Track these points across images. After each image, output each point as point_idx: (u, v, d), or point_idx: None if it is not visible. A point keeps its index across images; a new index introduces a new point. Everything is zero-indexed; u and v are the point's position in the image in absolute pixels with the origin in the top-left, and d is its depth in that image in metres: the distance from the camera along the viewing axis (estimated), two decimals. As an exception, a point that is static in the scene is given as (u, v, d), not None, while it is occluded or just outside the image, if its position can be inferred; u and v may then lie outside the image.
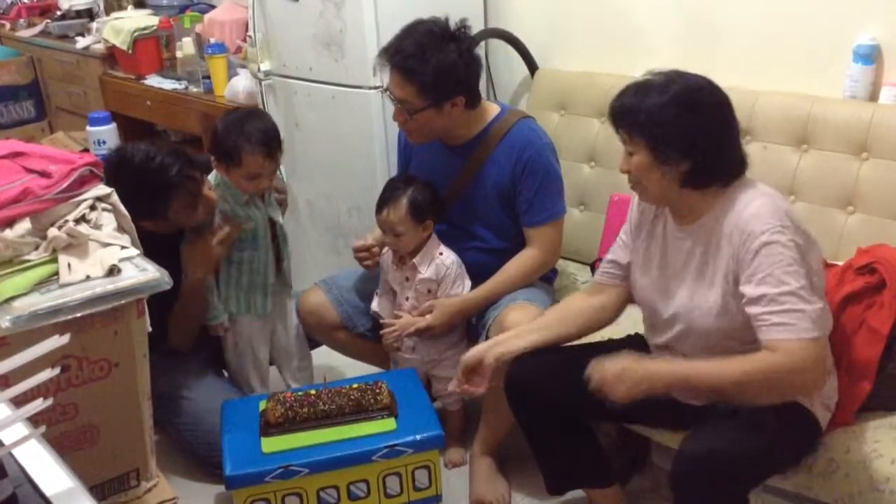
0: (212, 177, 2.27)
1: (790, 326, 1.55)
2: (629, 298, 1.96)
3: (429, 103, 2.12)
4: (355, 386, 2.04)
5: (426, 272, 2.25)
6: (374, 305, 2.37)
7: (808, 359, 1.55)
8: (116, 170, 2.04)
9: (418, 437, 1.96)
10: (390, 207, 2.20)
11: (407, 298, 2.30)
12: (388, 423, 1.99)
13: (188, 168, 2.13)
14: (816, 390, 1.63)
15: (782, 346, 1.55)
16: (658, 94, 1.62)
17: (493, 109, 2.29)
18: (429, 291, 2.27)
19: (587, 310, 1.96)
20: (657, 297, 1.81)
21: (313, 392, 2.02)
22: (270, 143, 2.18)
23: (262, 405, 2.05)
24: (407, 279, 2.28)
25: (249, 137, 2.15)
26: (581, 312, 1.96)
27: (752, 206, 1.62)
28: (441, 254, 2.27)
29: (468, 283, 2.29)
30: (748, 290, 1.60)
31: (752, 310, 1.60)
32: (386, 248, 2.34)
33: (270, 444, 1.95)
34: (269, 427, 1.98)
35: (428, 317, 2.23)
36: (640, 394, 1.63)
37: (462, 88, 2.15)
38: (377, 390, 2.02)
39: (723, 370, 1.60)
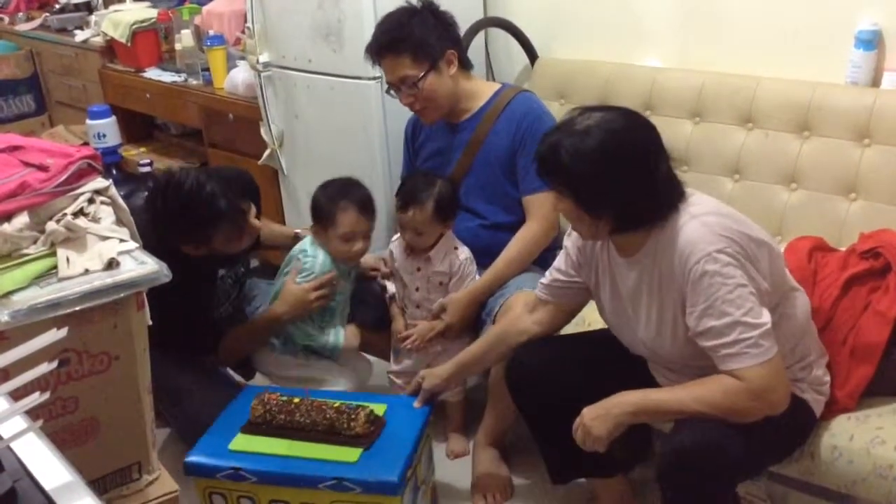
0: (313, 252, 2.27)
1: (742, 356, 1.54)
2: (571, 312, 1.96)
3: (427, 67, 2.20)
4: (336, 404, 1.92)
5: (440, 266, 2.25)
6: (391, 288, 2.37)
7: (767, 380, 1.55)
8: (164, 191, 2.07)
9: (370, 479, 1.79)
10: (416, 209, 2.19)
11: (417, 289, 2.29)
12: (351, 454, 1.84)
13: (238, 199, 2.13)
14: (783, 405, 1.60)
15: (739, 374, 1.55)
16: (578, 142, 1.57)
17: (493, 86, 2.39)
18: (440, 284, 2.27)
19: (527, 330, 1.95)
20: (619, 325, 1.81)
21: (296, 400, 1.95)
22: (364, 203, 2.22)
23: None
24: (419, 269, 2.28)
25: (343, 195, 2.21)
26: (521, 333, 1.96)
27: (684, 234, 1.59)
28: (456, 248, 2.27)
29: (478, 278, 2.29)
30: (692, 322, 1.59)
31: (701, 342, 1.59)
32: (395, 237, 2.35)
33: (239, 443, 1.91)
34: (250, 424, 1.95)
35: (443, 317, 2.24)
36: (617, 425, 1.65)
37: (449, 41, 2.25)
38: (353, 416, 1.88)
39: (685, 399, 1.61)
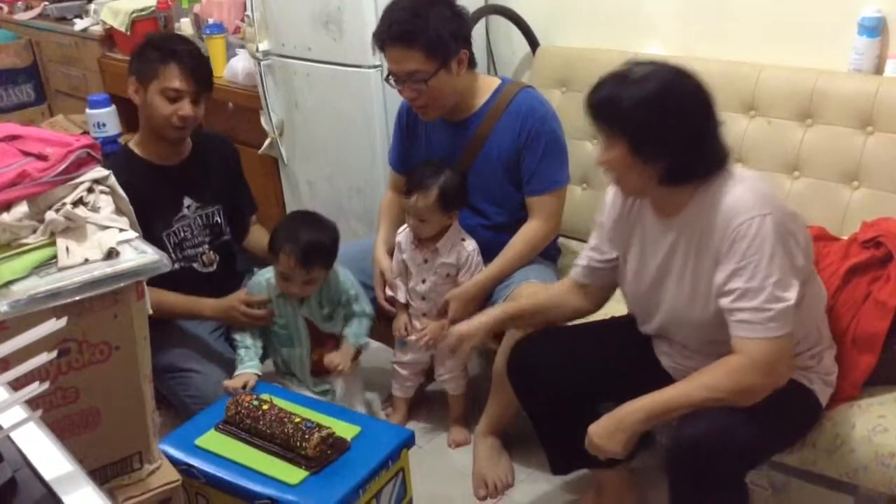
0: (262, 274, 2.25)
1: (756, 326, 1.55)
2: (606, 293, 1.95)
3: (438, 65, 2.11)
4: (297, 420, 1.85)
5: (448, 258, 2.24)
6: (388, 290, 2.34)
7: (772, 355, 1.56)
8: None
9: None
10: (419, 194, 2.18)
11: (424, 281, 2.28)
12: (295, 475, 1.77)
13: (200, 67, 2.25)
14: (785, 379, 1.61)
15: (746, 345, 1.56)
16: (638, 89, 1.58)
17: (494, 82, 2.31)
18: (448, 276, 2.26)
19: (578, 310, 1.96)
20: (643, 290, 1.80)
21: (266, 406, 1.90)
22: (308, 251, 2.10)
23: None
24: (426, 261, 2.27)
25: (291, 238, 2.11)
26: (566, 304, 1.96)
27: (731, 195, 1.60)
28: (463, 240, 2.26)
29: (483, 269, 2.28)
30: (720, 277, 1.59)
31: (722, 301, 1.59)
32: (402, 228, 2.33)
33: (206, 440, 1.89)
34: (223, 423, 1.93)
35: (449, 313, 2.21)
36: (632, 436, 1.65)
37: (463, 41, 2.16)
38: (307, 436, 1.80)
39: (691, 390, 1.61)
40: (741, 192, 1.59)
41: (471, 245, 2.26)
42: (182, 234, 2.33)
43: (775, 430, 1.63)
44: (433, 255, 2.25)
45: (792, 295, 1.55)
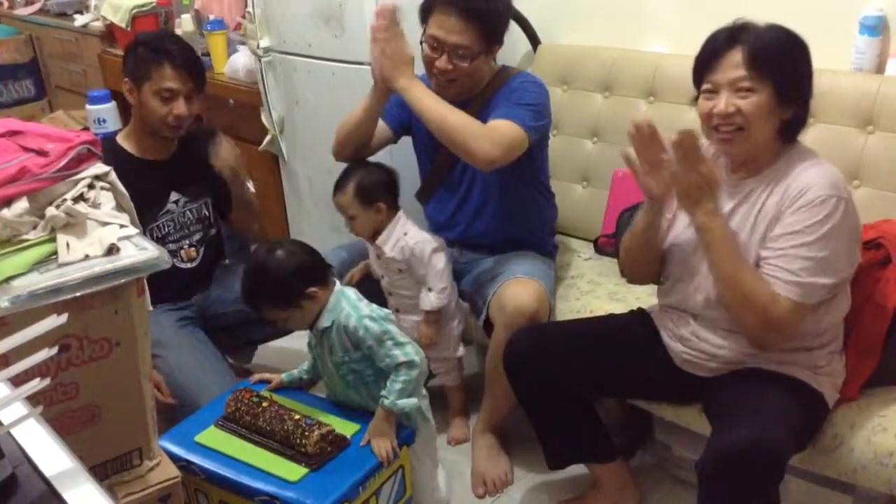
0: None
1: (779, 282, 1.60)
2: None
3: (484, 49, 2.11)
4: (297, 417, 1.84)
5: (391, 253, 2.21)
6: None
7: (781, 316, 1.60)
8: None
9: (298, 501, 1.72)
10: (339, 191, 2.21)
11: (382, 276, 2.28)
12: (295, 472, 1.77)
13: (193, 66, 2.26)
14: (770, 347, 1.68)
15: (776, 299, 1.61)
16: (780, 33, 1.63)
17: (494, 69, 2.29)
18: (399, 271, 2.23)
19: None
20: (692, 247, 1.77)
21: (265, 403, 1.90)
22: (247, 293, 1.89)
23: None
24: (378, 256, 2.26)
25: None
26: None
27: (814, 170, 1.63)
28: (406, 234, 2.20)
29: (444, 258, 2.20)
30: (777, 230, 1.63)
31: (764, 252, 1.63)
32: None
33: (206, 436, 1.89)
34: (223, 419, 1.93)
35: None
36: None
37: (504, 35, 2.18)
38: (307, 433, 1.80)
39: (735, 269, 1.65)
40: (826, 169, 1.64)
41: (413, 239, 2.18)
42: (165, 228, 2.33)
43: (798, 434, 1.64)
44: (382, 251, 2.23)
45: (827, 281, 1.60)
